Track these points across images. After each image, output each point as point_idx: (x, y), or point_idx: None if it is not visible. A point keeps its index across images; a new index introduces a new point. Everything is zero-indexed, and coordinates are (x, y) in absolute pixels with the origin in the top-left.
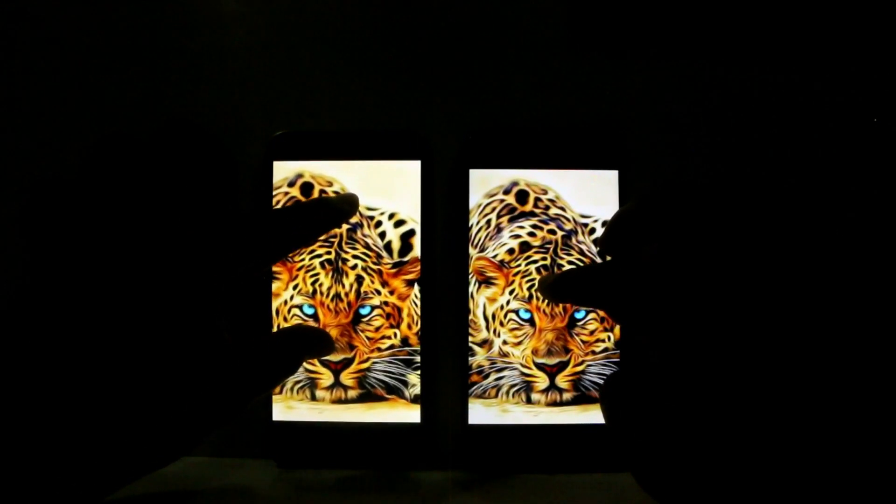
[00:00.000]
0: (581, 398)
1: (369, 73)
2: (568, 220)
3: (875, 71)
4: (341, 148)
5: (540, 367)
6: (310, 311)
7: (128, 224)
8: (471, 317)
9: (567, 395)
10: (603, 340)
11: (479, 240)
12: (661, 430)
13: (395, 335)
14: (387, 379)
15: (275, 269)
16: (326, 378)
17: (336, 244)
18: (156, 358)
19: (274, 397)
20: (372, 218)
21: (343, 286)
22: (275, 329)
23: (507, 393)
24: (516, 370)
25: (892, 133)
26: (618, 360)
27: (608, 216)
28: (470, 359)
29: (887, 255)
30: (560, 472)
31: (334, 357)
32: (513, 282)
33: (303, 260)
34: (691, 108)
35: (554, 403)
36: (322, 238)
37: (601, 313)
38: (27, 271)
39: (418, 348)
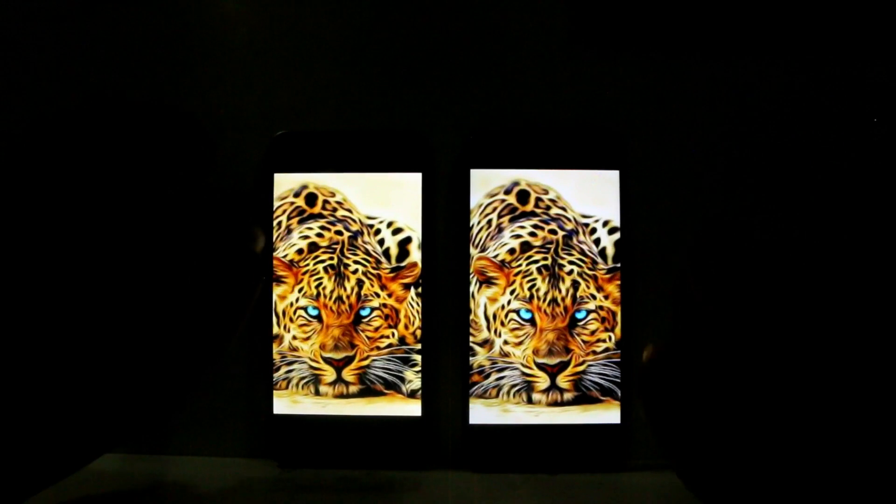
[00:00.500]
0: (582, 398)
1: (370, 73)
2: (569, 220)
3: (875, 71)
4: (343, 152)
5: (541, 366)
6: (314, 312)
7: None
8: (472, 317)
9: (568, 395)
10: (604, 340)
11: (480, 240)
12: (709, 430)
13: (393, 335)
14: (385, 375)
15: (281, 273)
16: (329, 374)
17: (338, 251)
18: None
19: (278, 392)
20: (372, 226)
21: (345, 289)
22: (276, 329)
23: (508, 393)
24: (517, 370)
25: (892, 133)
26: (618, 360)
27: (609, 216)
28: (471, 358)
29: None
30: (560, 471)
31: (336, 355)
32: (514, 282)
33: (307, 265)
34: (691, 108)
35: (555, 403)
36: (325, 245)
37: (603, 313)
38: None
39: (415, 347)
